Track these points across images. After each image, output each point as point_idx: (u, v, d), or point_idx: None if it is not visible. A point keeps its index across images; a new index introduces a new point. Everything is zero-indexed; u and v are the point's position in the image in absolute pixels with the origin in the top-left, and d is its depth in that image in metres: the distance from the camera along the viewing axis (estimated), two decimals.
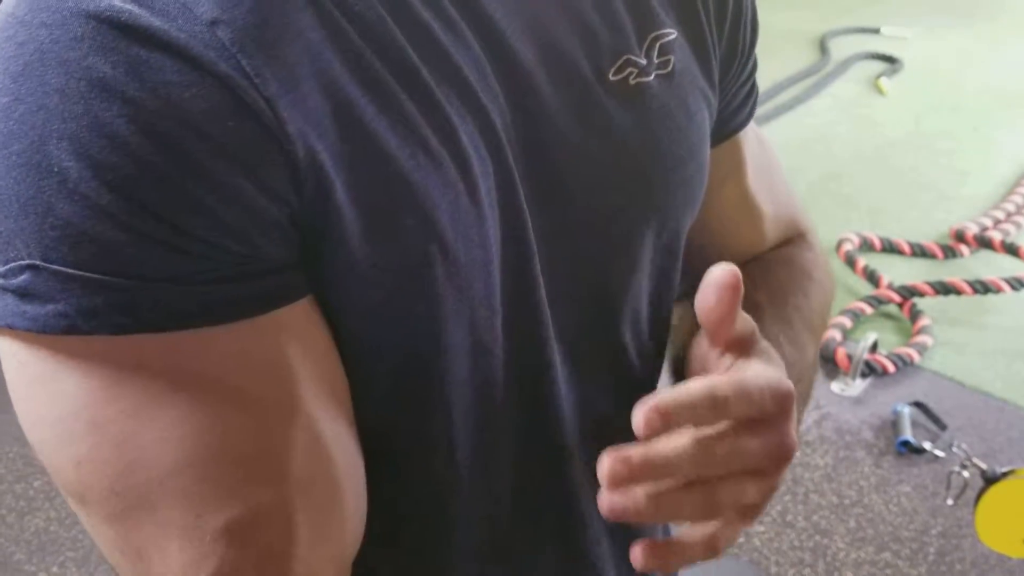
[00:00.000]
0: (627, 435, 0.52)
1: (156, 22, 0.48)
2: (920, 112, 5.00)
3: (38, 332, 0.49)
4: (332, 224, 0.54)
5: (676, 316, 0.79)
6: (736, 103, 0.80)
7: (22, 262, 0.49)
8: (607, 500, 0.52)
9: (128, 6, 0.48)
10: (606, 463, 0.51)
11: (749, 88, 0.81)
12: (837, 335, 3.08)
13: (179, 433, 0.50)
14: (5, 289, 0.50)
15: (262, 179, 0.51)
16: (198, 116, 0.49)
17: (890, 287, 3.34)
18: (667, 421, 0.51)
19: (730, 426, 0.55)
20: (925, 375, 2.98)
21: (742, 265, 0.70)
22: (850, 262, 3.54)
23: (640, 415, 0.51)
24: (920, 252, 3.63)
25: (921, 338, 3.09)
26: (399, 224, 0.55)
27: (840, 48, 6.21)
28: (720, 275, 0.55)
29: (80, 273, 0.48)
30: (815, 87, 5.50)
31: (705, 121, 0.73)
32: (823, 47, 6.27)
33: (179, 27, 0.49)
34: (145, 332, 0.50)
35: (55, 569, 2.14)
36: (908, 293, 3.30)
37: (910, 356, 3.00)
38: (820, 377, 2.97)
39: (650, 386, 0.79)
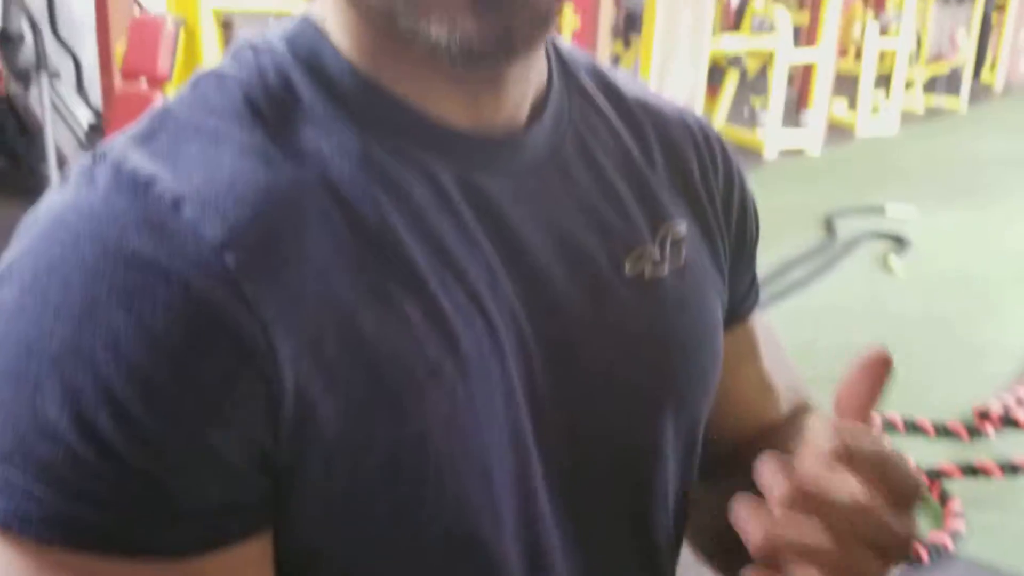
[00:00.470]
0: None
1: (161, 250, 0.50)
2: (931, 289, 5.00)
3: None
4: (309, 454, 0.53)
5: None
6: (744, 288, 0.82)
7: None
8: None
9: (137, 239, 0.50)
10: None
11: (753, 273, 0.84)
12: None
13: None
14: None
15: (232, 425, 0.51)
16: (177, 349, 0.49)
17: (917, 470, 3.22)
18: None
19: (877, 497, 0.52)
20: (959, 564, 2.83)
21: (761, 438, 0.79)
22: None
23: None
24: (944, 432, 3.53)
25: (953, 524, 2.95)
26: (385, 434, 0.55)
27: (846, 229, 6.28)
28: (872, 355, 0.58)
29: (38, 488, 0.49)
30: (824, 266, 5.51)
31: (718, 309, 0.74)
32: (829, 226, 6.35)
33: (184, 254, 0.50)
34: (87, 553, 0.49)
35: None
36: (935, 475, 3.18)
37: (944, 544, 2.86)
38: None
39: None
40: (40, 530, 0.49)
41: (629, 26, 9.30)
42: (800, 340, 4.49)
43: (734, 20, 9.07)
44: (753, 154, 8.58)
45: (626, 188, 0.69)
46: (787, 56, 8.30)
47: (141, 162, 0.54)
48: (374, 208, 0.57)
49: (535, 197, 0.64)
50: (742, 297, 0.82)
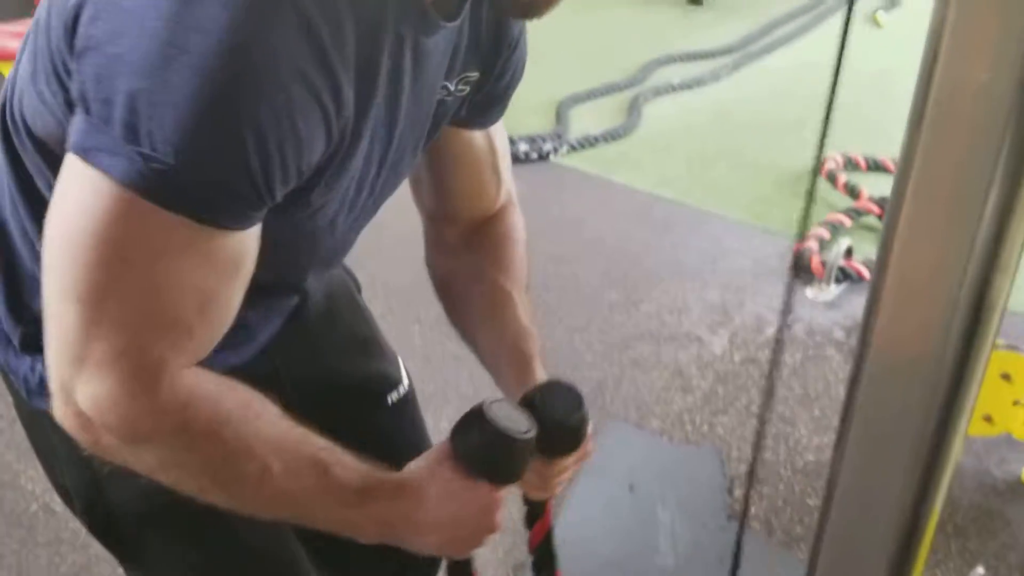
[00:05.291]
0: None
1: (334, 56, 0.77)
2: (914, 43, 4.99)
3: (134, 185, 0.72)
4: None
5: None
6: (496, 110, 1.14)
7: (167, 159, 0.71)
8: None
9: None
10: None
11: (505, 103, 1.14)
12: (814, 245, 3.14)
13: (172, 278, 0.77)
14: (145, 159, 0.71)
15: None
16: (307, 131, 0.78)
17: (870, 199, 3.39)
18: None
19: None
20: None
21: (480, 232, 1.18)
22: (831, 179, 3.59)
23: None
24: None
25: None
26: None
27: None
28: None
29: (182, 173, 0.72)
30: (812, 22, 5.52)
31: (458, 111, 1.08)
32: None
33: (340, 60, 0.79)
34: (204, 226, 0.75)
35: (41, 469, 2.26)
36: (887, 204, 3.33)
37: None
38: (796, 284, 3.04)
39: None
40: (177, 204, 0.73)
41: None
42: (779, 90, 4.59)
43: None
44: None
45: (451, 54, 0.99)
46: None
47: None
48: (377, 50, 0.84)
49: (432, 59, 0.93)
50: (495, 117, 1.14)
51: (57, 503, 2.19)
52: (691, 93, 4.58)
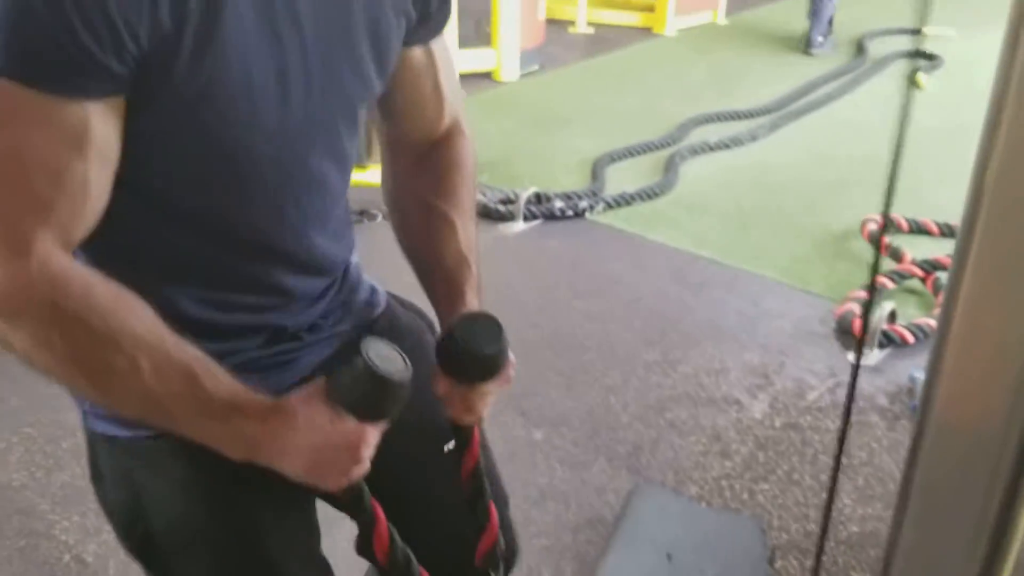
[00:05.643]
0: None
1: None
2: (955, 104, 4.95)
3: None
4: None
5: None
6: (438, 20, 1.15)
7: None
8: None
9: None
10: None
11: (445, 13, 1.16)
12: (856, 308, 3.08)
13: (24, 148, 0.84)
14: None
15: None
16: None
17: (913, 262, 3.32)
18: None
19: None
20: None
21: (427, 156, 1.21)
22: (873, 241, 3.53)
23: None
24: (949, 232, 3.60)
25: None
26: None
27: (879, 48, 6.20)
28: None
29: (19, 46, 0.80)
30: (852, 83, 5.50)
31: (401, 24, 1.09)
32: (860, 46, 6.27)
33: None
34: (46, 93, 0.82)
35: (76, 519, 2.24)
36: (931, 267, 3.27)
37: (930, 326, 2.98)
38: (836, 347, 2.98)
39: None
40: (19, 73, 0.80)
41: None
42: (817, 150, 4.55)
43: None
44: None
45: None
46: None
47: None
48: None
49: None
50: (432, 30, 1.15)
51: (89, 553, 2.18)
52: (728, 152, 4.56)
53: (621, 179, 4.22)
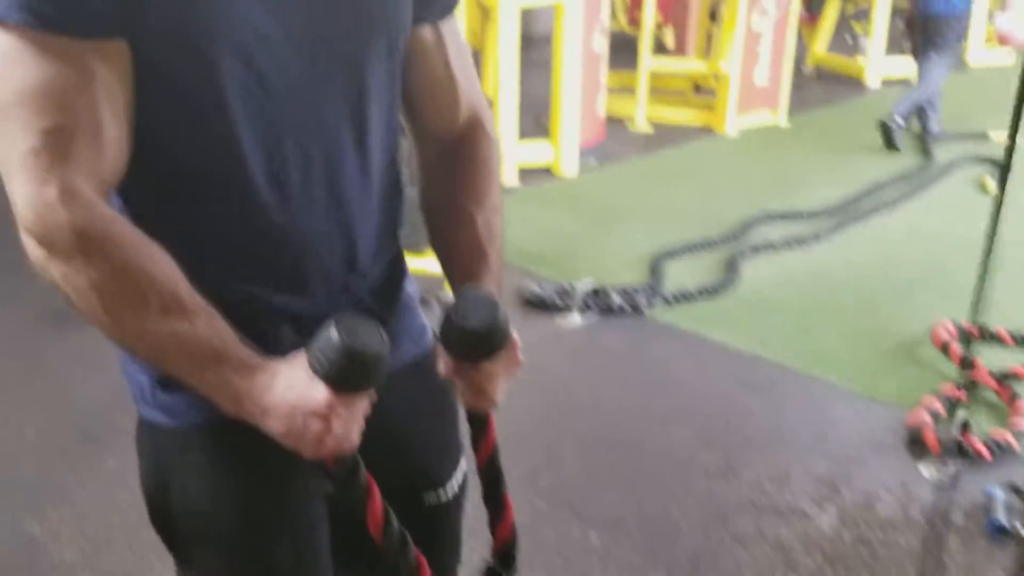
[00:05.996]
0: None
1: None
2: None
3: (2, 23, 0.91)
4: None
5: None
6: (443, 3, 1.19)
7: None
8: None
9: None
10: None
11: None
12: (928, 418, 2.94)
13: (35, 82, 0.92)
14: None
15: None
16: None
17: (987, 373, 3.19)
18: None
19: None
20: (1022, 460, 2.81)
21: (451, 152, 1.24)
22: (944, 348, 3.40)
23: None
24: (1022, 341, 3.47)
25: (1018, 423, 2.92)
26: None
27: (947, 154, 6.12)
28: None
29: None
30: (919, 186, 5.41)
31: None
32: (926, 150, 6.19)
33: None
34: (42, 31, 0.91)
35: None
36: (1005, 378, 3.14)
37: (1006, 440, 2.83)
38: (907, 458, 2.84)
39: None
40: (30, 20, 0.90)
41: None
42: (884, 254, 4.45)
43: None
44: (854, 81, 8.38)
45: None
46: None
47: None
48: None
49: None
50: (439, 9, 1.19)
51: None
52: (791, 252, 4.46)
53: (680, 276, 4.15)
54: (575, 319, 3.75)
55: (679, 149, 6.44)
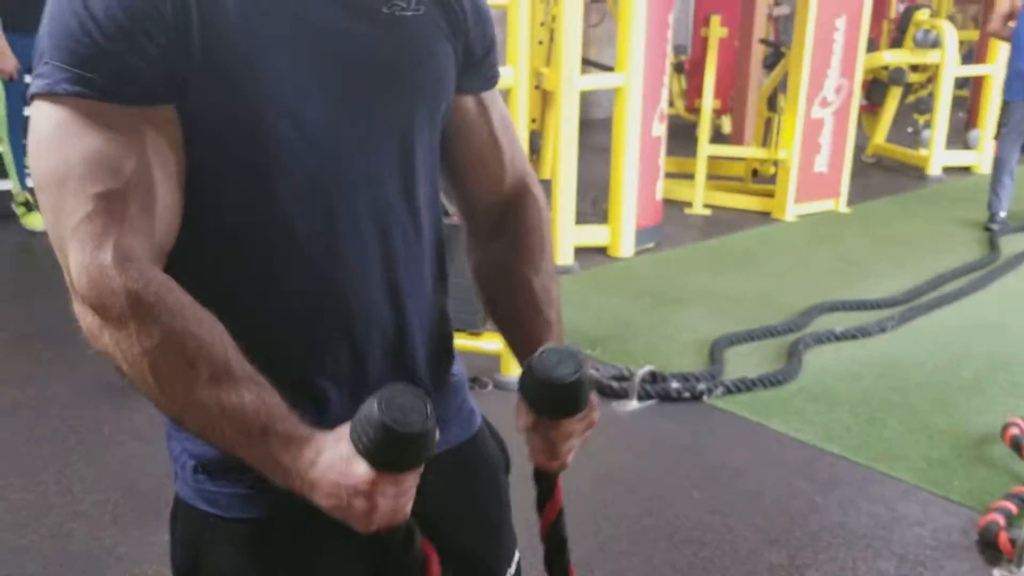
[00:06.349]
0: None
1: None
2: None
3: (44, 94, 0.95)
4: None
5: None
6: (487, 73, 1.23)
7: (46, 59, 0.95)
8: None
9: None
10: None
11: (493, 68, 1.25)
12: (1000, 519, 2.82)
13: (86, 151, 0.94)
14: (39, 75, 0.95)
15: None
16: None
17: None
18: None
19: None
20: None
21: (501, 220, 1.26)
22: (1016, 447, 3.28)
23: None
24: None
25: None
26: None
27: (1011, 245, 6.01)
28: None
29: (65, 66, 0.94)
30: (985, 279, 5.29)
31: (448, 41, 1.16)
32: (992, 243, 6.09)
33: None
34: (93, 100, 0.94)
35: None
36: None
37: None
38: (981, 562, 2.71)
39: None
40: (84, 91, 0.93)
41: (783, 33, 9.19)
42: (950, 348, 4.33)
43: (896, 35, 8.79)
44: (916, 171, 8.30)
45: None
46: (952, 71, 8.00)
47: None
48: None
49: None
50: (482, 81, 1.23)
51: None
52: (855, 343, 4.36)
53: (741, 363, 4.07)
54: (632, 404, 3.69)
55: (737, 234, 6.39)
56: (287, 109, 1.00)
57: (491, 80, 1.25)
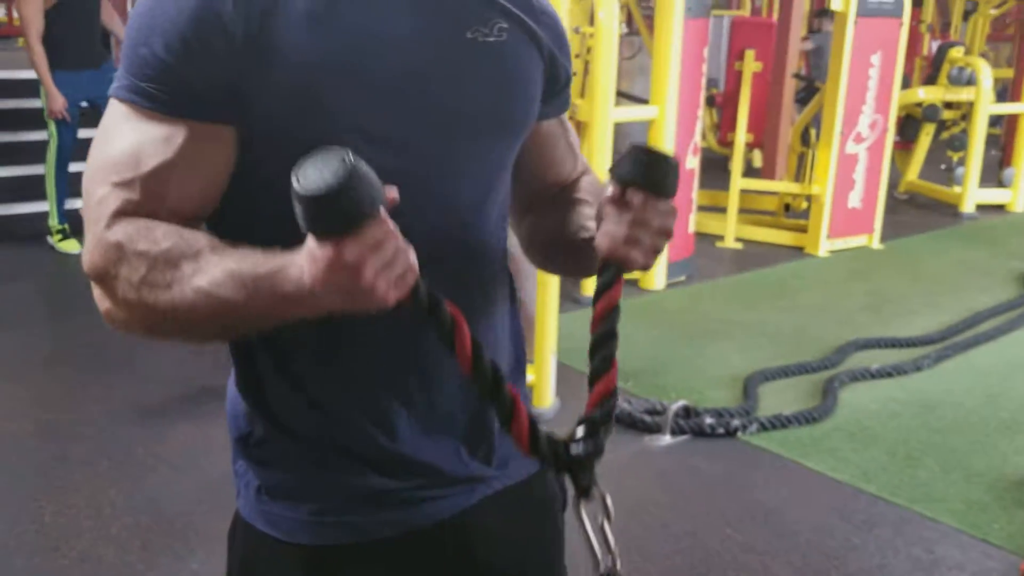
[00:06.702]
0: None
1: None
2: None
3: (111, 95, 1.02)
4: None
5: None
6: (560, 100, 1.26)
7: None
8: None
9: None
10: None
11: (568, 91, 1.28)
12: None
13: (123, 147, 1.00)
14: (116, 76, 1.02)
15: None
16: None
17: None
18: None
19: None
20: None
21: (569, 186, 1.32)
22: None
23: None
24: None
25: None
26: None
27: None
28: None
29: (127, 75, 1.01)
30: (1020, 319, 5.22)
31: (537, 68, 1.17)
32: None
33: None
34: (144, 108, 1.00)
35: None
36: None
37: None
38: None
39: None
40: (135, 98, 0.99)
41: (814, 68, 9.17)
42: (988, 388, 4.26)
43: (930, 72, 8.76)
44: (949, 208, 8.24)
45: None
46: (987, 109, 7.95)
47: None
48: None
49: None
50: (558, 105, 1.26)
51: None
52: (891, 381, 4.31)
53: (775, 400, 4.02)
54: (666, 439, 3.65)
55: (769, 268, 6.35)
56: (358, 127, 1.00)
57: (568, 103, 1.29)
